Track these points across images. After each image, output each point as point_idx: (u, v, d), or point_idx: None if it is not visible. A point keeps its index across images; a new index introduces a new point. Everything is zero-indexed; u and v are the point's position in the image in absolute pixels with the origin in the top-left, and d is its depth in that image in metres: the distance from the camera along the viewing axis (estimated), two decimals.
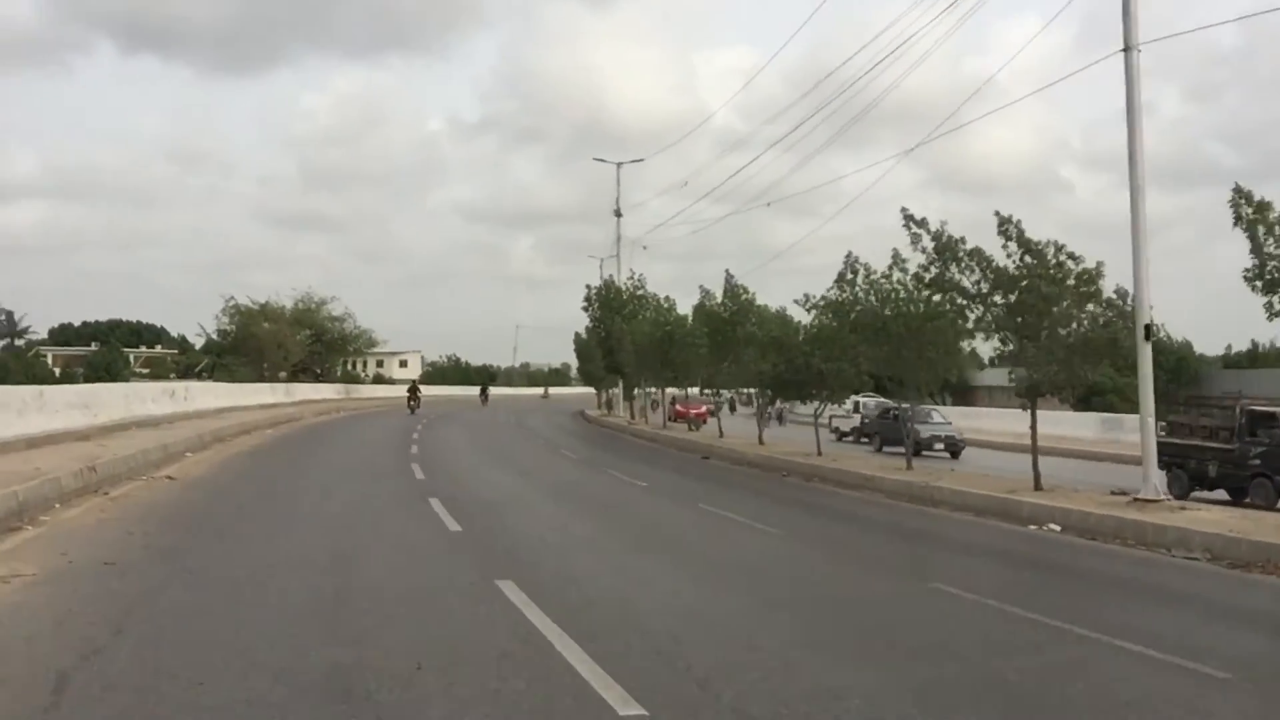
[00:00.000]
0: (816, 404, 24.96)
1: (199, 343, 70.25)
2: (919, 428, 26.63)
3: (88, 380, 59.58)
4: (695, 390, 49.18)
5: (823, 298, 22.47)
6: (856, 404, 30.03)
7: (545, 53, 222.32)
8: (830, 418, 39.06)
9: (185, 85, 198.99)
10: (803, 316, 24.51)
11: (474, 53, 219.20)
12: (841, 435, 34.45)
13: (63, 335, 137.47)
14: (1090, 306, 15.61)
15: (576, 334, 73.07)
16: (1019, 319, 16.04)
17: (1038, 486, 16.40)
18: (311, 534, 11.09)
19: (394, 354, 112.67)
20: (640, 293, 45.19)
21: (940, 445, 29.39)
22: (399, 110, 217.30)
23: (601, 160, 53.66)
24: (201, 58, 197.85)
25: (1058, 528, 14.27)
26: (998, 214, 15.74)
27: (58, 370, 78.05)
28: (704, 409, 41.24)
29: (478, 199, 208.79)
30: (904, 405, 24.25)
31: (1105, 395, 47.94)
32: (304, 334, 63.89)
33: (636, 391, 48.46)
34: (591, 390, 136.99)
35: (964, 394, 69.71)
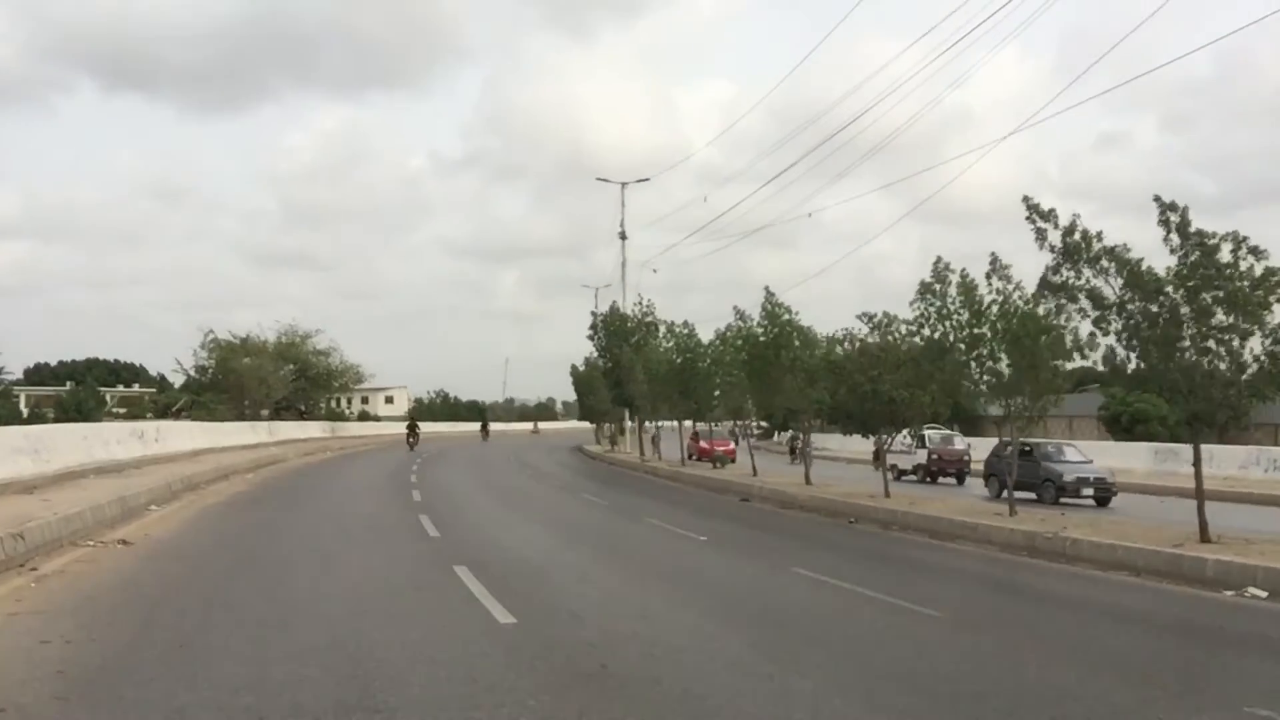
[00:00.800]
0: (882, 436, 21.79)
1: (178, 380, 66.64)
2: (1057, 467, 23.25)
3: (57, 422, 56.00)
4: (709, 424, 46.13)
5: (889, 316, 19.60)
6: (921, 437, 26.43)
7: (527, 88, 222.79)
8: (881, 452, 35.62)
9: (168, 123, 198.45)
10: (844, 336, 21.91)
11: (456, 89, 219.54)
12: (900, 474, 29.62)
13: (38, 375, 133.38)
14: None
15: (574, 366, 70.29)
16: (1174, 330, 13.01)
17: (1205, 538, 13.31)
18: (312, 638, 7.79)
19: (380, 390, 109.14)
20: (650, 319, 42.22)
21: (1089, 491, 22.82)
22: (382, 147, 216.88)
23: (605, 180, 50.28)
24: (184, 96, 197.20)
25: (1263, 593, 11.17)
26: (1157, 199, 12.75)
27: (26, 411, 74.07)
28: (730, 445, 37.76)
29: (461, 235, 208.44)
30: (1007, 440, 21.06)
31: (1148, 423, 45.07)
32: (287, 369, 60.49)
33: (647, 425, 45.29)
34: (585, 425, 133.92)
35: (971, 423, 66.84)
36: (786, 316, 24.05)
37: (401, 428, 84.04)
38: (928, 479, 30.52)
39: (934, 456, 30.78)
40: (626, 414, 50.99)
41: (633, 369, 39.82)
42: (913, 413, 19.90)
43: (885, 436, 21.46)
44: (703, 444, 39.31)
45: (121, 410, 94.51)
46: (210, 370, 54.33)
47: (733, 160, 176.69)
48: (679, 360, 32.92)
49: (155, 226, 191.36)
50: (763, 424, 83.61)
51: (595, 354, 46.11)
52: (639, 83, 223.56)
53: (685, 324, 33.12)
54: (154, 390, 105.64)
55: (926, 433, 27.74)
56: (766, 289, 24.58)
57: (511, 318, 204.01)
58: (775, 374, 24.27)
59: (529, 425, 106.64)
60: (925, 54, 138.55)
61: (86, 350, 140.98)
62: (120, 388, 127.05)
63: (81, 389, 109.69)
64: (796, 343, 23.75)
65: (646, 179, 53.50)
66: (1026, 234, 14.37)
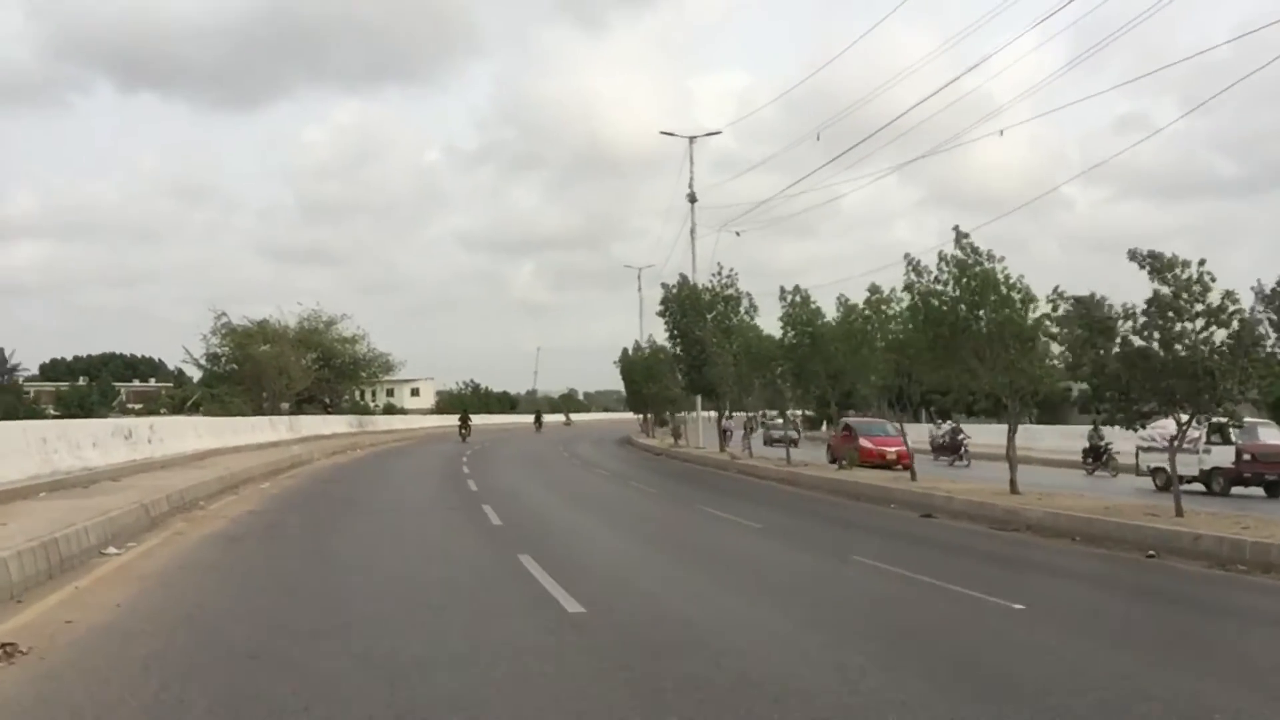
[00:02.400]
0: (1149, 425, 15.41)
1: (196, 374, 60.60)
2: None
3: (61, 418, 50.41)
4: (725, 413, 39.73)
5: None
6: (1221, 428, 19.09)
7: (541, 80, 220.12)
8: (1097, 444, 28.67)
9: (184, 121, 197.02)
10: None
11: (471, 82, 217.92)
12: (1185, 480, 18.60)
13: (53, 370, 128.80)
14: None
15: (625, 351, 64.20)
16: None
17: None
18: None
19: (405, 381, 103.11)
20: (730, 291, 35.88)
21: None
22: (397, 141, 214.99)
23: (671, 134, 43.89)
24: (200, 94, 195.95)
25: None
26: None
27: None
28: (902, 445, 26.68)
29: (477, 227, 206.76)
30: None
31: None
32: (310, 358, 54.59)
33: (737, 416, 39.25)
34: (622, 415, 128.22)
35: (1053, 410, 60.01)
36: (984, 266, 17.74)
37: (435, 421, 79.13)
38: (1222, 488, 22.18)
39: (1246, 457, 21.75)
40: (699, 402, 44.71)
41: (719, 349, 33.54)
42: (1233, 388, 13.47)
43: (1178, 425, 14.84)
44: (865, 442, 29.53)
45: (137, 406, 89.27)
46: (224, 359, 48.40)
47: (748, 149, 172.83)
48: (792, 336, 26.56)
49: (173, 224, 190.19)
50: (807, 413, 77.26)
51: (665, 334, 39.66)
52: (652, 73, 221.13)
53: (797, 290, 26.70)
54: (170, 385, 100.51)
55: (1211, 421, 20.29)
56: (956, 229, 18.21)
57: (529, 309, 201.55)
58: (969, 343, 17.97)
59: (560, 417, 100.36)
60: (936, 39, 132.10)
61: (106, 347, 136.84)
62: (136, 382, 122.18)
63: (94, 384, 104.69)
64: (1012, 296, 17.46)
65: (717, 132, 47.04)
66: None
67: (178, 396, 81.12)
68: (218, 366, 49.30)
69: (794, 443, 45.28)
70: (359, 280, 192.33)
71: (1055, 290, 17.37)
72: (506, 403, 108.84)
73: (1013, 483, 18.43)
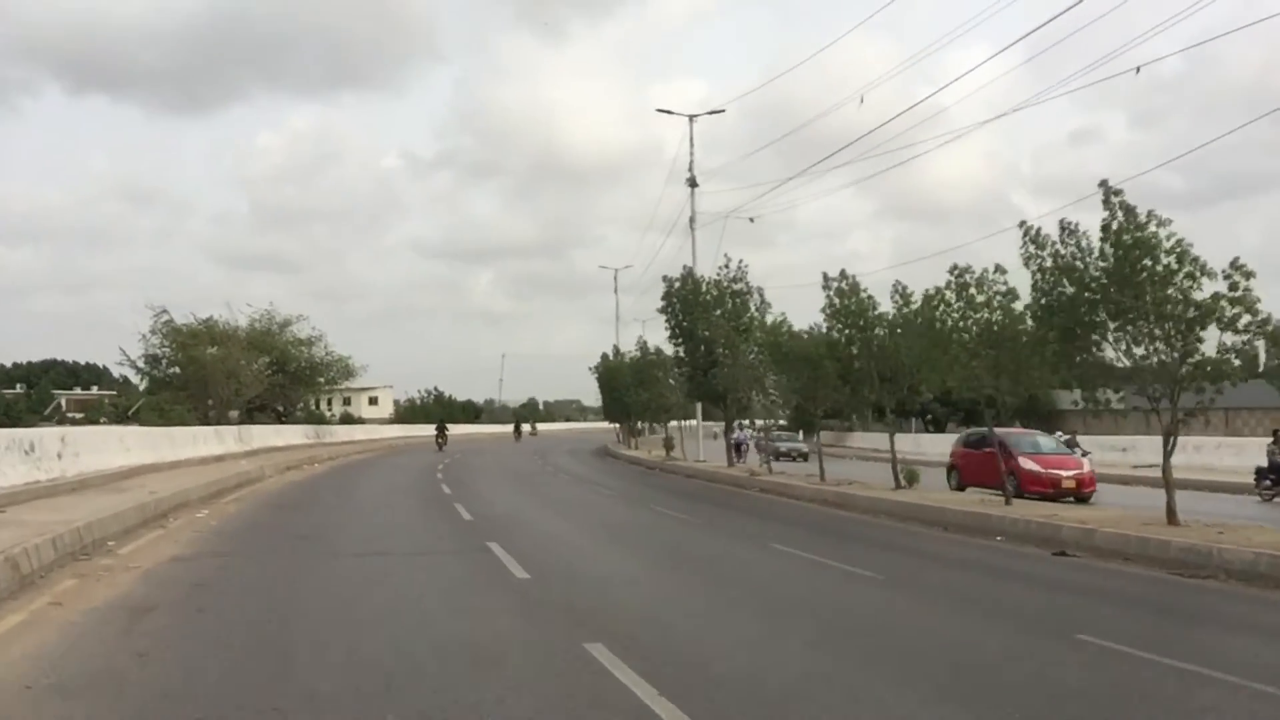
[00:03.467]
0: None
1: (138, 379, 54.97)
2: None
3: None
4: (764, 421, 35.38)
5: None
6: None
7: (500, 88, 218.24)
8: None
9: (136, 125, 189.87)
10: None
11: (429, 89, 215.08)
12: None
13: None
14: None
15: (606, 355, 60.65)
16: None
17: None
18: None
19: (363, 390, 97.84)
20: (740, 285, 31.79)
21: None
22: (354, 147, 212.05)
23: (667, 112, 39.77)
24: (153, 97, 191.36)
25: None
26: None
27: None
28: (1084, 465, 22.06)
29: (435, 235, 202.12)
30: None
31: None
32: (263, 362, 49.71)
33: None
34: (586, 424, 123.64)
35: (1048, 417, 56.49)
36: (1152, 230, 13.73)
37: (397, 431, 73.96)
38: None
39: None
40: (699, 410, 40.56)
41: (733, 350, 29.44)
42: None
43: None
44: (1028, 463, 21.15)
45: (78, 415, 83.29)
46: (165, 361, 43.38)
47: (708, 158, 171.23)
48: (843, 333, 22.41)
49: (124, 228, 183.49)
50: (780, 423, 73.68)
51: (666, 334, 35.34)
52: (611, 82, 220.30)
53: (844, 276, 22.48)
54: (114, 393, 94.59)
55: None
56: (1104, 183, 14.17)
57: (488, 317, 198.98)
58: (1130, 328, 13.97)
59: (517, 427, 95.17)
60: (894, 53, 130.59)
61: (52, 354, 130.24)
62: (78, 390, 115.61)
63: (31, 391, 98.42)
64: (1168, 261, 13.54)
65: (721, 110, 42.98)
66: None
67: (120, 405, 75.56)
68: (158, 370, 44.24)
69: (804, 456, 41.56)
70: (314, 287, 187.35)
71: (1234, 263, 13.52)
72: (471, 411, 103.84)
73: (1171, 510, 14.39)
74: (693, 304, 33.00)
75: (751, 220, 36.74)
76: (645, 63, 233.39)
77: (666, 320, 34.08)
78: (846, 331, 22.04)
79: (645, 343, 47.04)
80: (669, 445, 42.93)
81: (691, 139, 38.14)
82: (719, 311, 31.87)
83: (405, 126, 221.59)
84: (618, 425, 66.60)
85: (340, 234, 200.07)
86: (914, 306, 19.87)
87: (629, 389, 49.08)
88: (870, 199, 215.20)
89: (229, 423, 38.67)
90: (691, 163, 38.43)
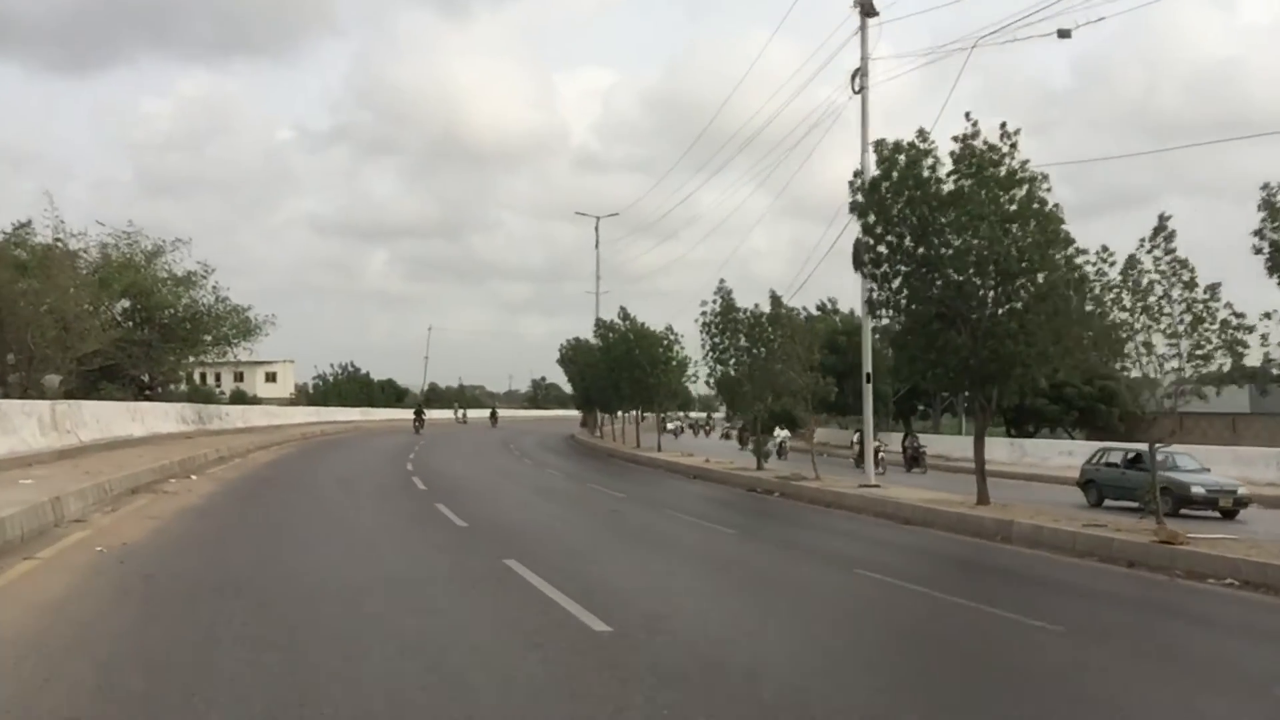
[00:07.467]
0: None
1: None
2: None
3: None
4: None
5: None
6: None
7: (399, 64, 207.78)
8: None
9: (15, 83, 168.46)
10: None
11: (325, 62, 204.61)
12: None
13: None
14: None
15: (577, 339, 53.30)
16: None
17: None
18: None
19: (260, 364, 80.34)
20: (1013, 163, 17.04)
21: None
22: (245, 117, 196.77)
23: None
24: (33, 55, 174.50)
25: None
26: None
27: None
28: None
29: (329, 211, 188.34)
30: None
31: None
32: (118, 305, 33.31)
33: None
34: (541, 413, 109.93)
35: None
36: None
37: (308, 415, 57.53)
38: None
39: None
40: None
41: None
42: None
43: None
44: None
45: None
46: None
47: (611, 149, 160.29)
48: None
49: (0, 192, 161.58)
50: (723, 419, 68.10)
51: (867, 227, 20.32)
52: (514, 64, 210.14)
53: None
54: None
55: None
56: None
57: (383, 298, 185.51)
58: None
59: (455, 413, 79.82)
60: (795, 49, 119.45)
61: None
62: None
63: None
64: None
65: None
66: None
67: None
68: None
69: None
70: (201, 259, 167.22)
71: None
72: (393, 393, 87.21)
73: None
74: (921, 181, 17.96)
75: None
76: (550, 47, 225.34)
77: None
78: None
79: (627, 312, 40.35)
80: (759, 447, 27.31)
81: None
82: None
83: (300, 99, 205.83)
84: (583, 415, 60.94)
85: (231, 207, 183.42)
86: None
87: (649, 368, 35.93)
88: (768, 195, 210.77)
89: (41, 397, 22.40)
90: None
